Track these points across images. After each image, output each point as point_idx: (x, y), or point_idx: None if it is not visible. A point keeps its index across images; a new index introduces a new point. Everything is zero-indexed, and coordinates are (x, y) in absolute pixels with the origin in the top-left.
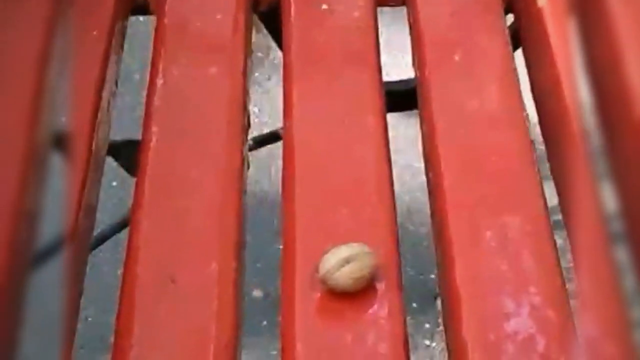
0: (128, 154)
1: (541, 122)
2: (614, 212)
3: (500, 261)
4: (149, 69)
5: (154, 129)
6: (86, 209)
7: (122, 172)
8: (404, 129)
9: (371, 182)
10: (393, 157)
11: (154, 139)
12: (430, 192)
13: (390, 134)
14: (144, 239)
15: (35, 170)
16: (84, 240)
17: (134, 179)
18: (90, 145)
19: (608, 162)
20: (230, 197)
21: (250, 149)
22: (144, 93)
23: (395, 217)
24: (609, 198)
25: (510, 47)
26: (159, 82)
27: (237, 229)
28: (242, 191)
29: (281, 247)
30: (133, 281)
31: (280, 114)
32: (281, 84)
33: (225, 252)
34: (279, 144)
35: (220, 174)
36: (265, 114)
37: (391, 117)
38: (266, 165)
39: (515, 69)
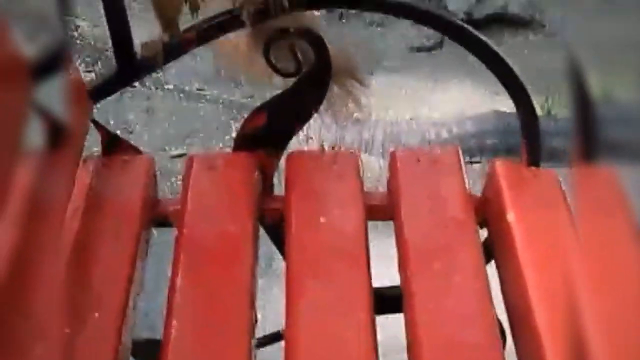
0: (148, 353)
1: (510, 322)
2: None
3: None
4: (162, 275)
5: (174, 323)
6: None
7: None
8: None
9: None
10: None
11: (174, 332)
12: None
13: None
14: None
15: None
16: None
17: None
18: (119, 343)
19: None
20: None
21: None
22: (157, 299)
23: None
24: None
25: (483, 257)
26: (179, 283)
27: None
28: None
29: None
30: None
31: (281, 321)
32: (282, 294)
33: None
34: (281, 343)
35: None
36: (268, 321)
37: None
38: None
39: (486, 277)
